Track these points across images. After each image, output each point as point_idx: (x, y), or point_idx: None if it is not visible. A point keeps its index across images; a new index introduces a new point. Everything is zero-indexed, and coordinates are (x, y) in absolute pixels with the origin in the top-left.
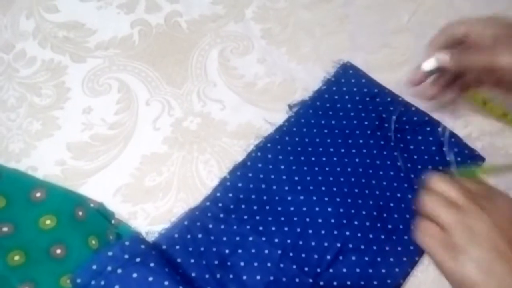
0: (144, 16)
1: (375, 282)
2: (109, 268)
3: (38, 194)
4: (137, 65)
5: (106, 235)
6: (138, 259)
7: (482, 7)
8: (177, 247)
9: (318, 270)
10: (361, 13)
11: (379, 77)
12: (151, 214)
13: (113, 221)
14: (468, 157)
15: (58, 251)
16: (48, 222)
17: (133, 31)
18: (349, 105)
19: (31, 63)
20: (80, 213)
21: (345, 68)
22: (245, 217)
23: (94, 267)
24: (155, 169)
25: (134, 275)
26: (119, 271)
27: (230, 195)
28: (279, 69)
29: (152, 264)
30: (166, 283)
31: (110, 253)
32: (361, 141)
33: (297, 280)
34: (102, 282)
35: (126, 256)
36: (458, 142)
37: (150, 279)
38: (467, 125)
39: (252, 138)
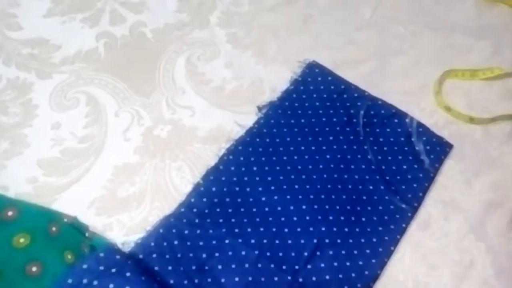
0: (108, 29)
1: (353, 275)
2: (85, 281)
3: (10, 213)
4: (104, 77)
5: (81, 249)
6: (113, 270)
7: (443, 2)
8: (154, 255)
9: (296, 267)
10: (324, 13)
11: (345, 74)
12: (127, 224)
13: (87, 234)
14: (437, 144)
15: (34, 268)
16: (22, 240)
17: (98, 44)
18: (317, 103)
19: None
20: (54, 229)
21: (311, 67)
22: (221, 220)
23: (70, 281)
24: (128, 180)
25: (111, 286)
26: (95, 283)
27: (205, 199)
28: (246, 72)
29: (128, 274)
30: None
31: (85, 266)
32: (331, 138)
33: (275, 278)
34: None
35: (102, 268)
36: (425, 131)
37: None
38: (433, 115)
39: (223, 142)
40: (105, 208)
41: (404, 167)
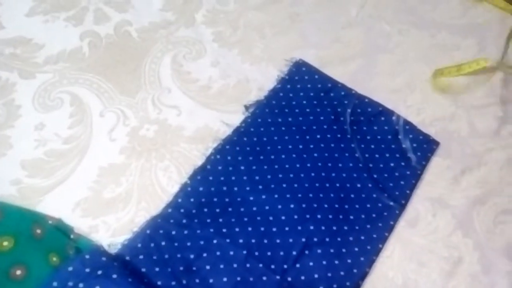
0: (93, 28)
1: (342, 273)
2: (70, 284)
3: None
4: (89, 77)
5: (66, 251)
6: (99, 272)
7: (428, 0)
8: (141, 256)
9: (285, 266)
10: (310, 11)
11: (332, 72)
12: (113, 226)
13: (72, 236)
14: (423, 142)
15: (18, 272)
16: (5, 243)
17: (83, 43)
18: (304, 102)
19: None
20: (38, 231)
21: (298, 66)
22: (208, 220)
23: (55, 284)
24: (113, 181)
25: None
26: (81, 285)
27: (192, 200)
28: (233, 71)
29: (114, 276)
30: None
31: (70, 268)
32: (318, 136)
33: (264, 278)
34: None
35: (87, 270)
36: (412, 128)
37: None
38: (420, 112)
39: (210, 142)
40: (90, 209)
41: (391, 164)
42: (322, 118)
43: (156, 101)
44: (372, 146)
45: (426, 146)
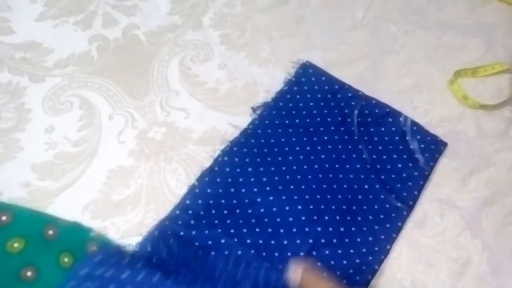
0: (101, 31)
1: (350, 271)
2: (100, 271)
3: (3, 218)
4: (98, 80)
5: (85, 249)
6: (126, 261)
7: (434, 1)
8: (154, 260)
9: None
10: (316, 13)
11: (338, 74)
12: (122, 227)
13: (92, 234)
14: (431, 143)
15: (29, 273)
16: (16, 245)
17: (91, 47)
18: (311, 103)
19: None
20: (51, 232)
21: (305, 68)
22: (216, 221)
23: (82, 272)
24: (122, 183)
25: (127, 272)
26: (110, 272)
27: (200, 201)
28: (240, 74)
29: (139, 265)
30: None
31: (97, 259)
32: (325, 138)
33: None
34: None
35: (113, 260)
36: (420, 129)
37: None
38: (427, 113)
39: (218, 144)
40: (99, 211)
41: (399, 166)
42: (329, 119)
43: (164, 103)
44: (380, 147)
45: (434, 147)
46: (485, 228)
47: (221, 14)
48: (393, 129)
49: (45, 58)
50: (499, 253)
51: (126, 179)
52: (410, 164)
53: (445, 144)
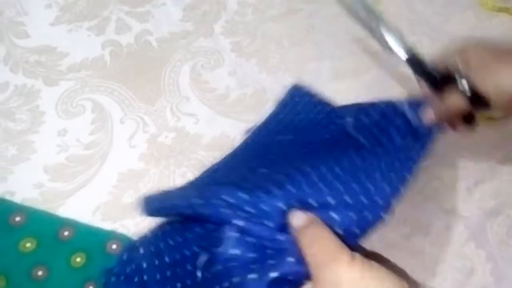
0: (114, 37)
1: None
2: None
3: (17, 219)
4: (110, 84)
5: (104, 249)
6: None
7: (442, 11)
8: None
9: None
10: (326, 23)
11: (347, 83)
12: (131, 230)
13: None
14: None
15: (40, 272)
16: (28, 245)
17: (104, 52)
18: (304, 121)
19: (4, 89)
20: (66, 233)
21: (295, 91)
22: None
23: (124, 257)
24: (132, 186)
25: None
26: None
27: None
28: (250, 81)
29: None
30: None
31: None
32: (321, 145)
33: None
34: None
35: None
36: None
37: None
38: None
39: (226, 149)
40: (110, 214)
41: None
42: (326, 134)
43: (175, 109)
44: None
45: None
46: (490, 239)
47: (232, 22)
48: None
49: (59, 62)
50: (503, 264)
51: (137, 182)
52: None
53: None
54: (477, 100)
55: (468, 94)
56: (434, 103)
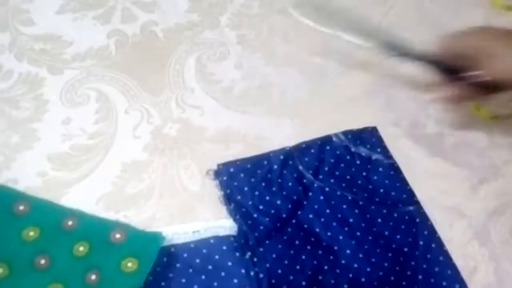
0: (120, 27)
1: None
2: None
3: (21, 208)
4: (115, 74)
5: (107, 238)
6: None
7: (451, 9)
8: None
9: None
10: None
11: (354, 78)
12: (134, 220)
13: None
14: (367, 136)
15: (42, 261)
16: (31, 233)
17: (110, 41)
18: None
19: (8, 77)
20: (70, 223)
21: (222, 172)
22: None
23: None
24: (136, 177)
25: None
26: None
27: None
28: (255, 74)
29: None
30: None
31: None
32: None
33: None
34: None
35: None
36: (352, 133)
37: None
38: (437, 122)
39: (231, 142)
40: (113, 203)
41: (375, 177)
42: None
43: (180, 100)
44: (340, 176)
45: (371, 136)
46: (493, 238)
47: (239, 14)
48: (338, 152)
49: (64, 51)
50: (506, 263)
51: (140, 173)
52: (380, 169)
53: (374, 128)
54: (485, 84)
55: (477, 79)
56: (444, 89)
